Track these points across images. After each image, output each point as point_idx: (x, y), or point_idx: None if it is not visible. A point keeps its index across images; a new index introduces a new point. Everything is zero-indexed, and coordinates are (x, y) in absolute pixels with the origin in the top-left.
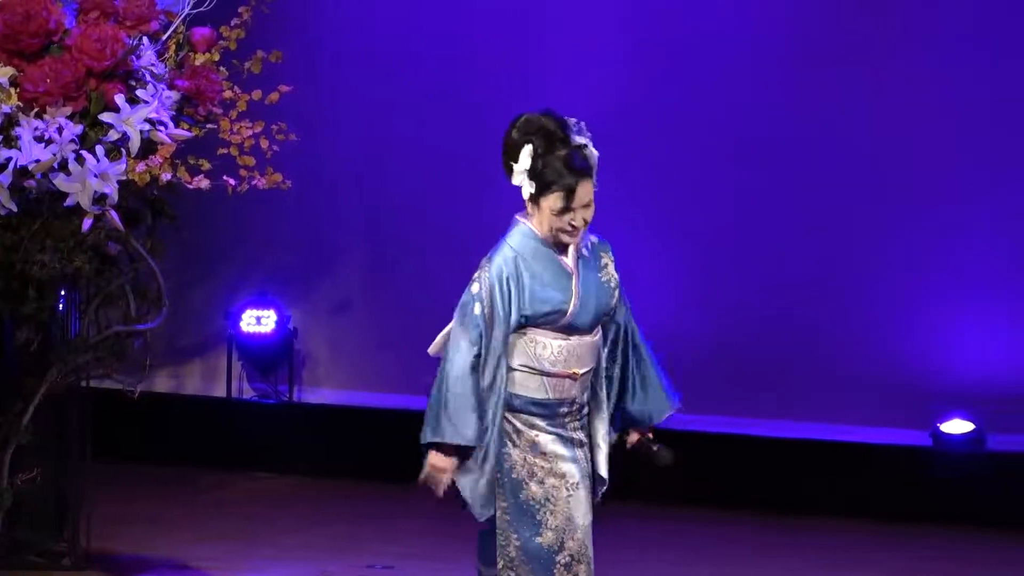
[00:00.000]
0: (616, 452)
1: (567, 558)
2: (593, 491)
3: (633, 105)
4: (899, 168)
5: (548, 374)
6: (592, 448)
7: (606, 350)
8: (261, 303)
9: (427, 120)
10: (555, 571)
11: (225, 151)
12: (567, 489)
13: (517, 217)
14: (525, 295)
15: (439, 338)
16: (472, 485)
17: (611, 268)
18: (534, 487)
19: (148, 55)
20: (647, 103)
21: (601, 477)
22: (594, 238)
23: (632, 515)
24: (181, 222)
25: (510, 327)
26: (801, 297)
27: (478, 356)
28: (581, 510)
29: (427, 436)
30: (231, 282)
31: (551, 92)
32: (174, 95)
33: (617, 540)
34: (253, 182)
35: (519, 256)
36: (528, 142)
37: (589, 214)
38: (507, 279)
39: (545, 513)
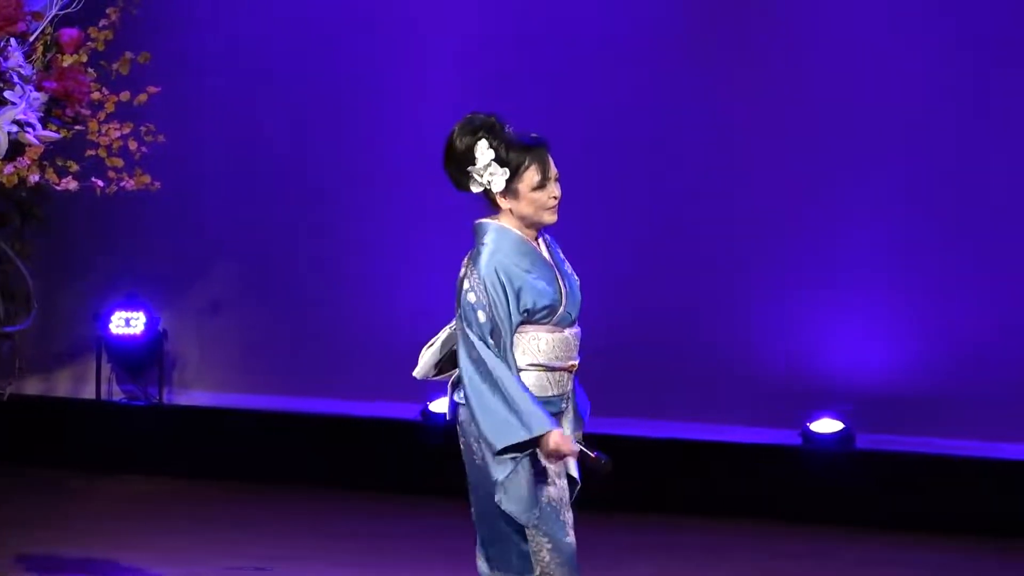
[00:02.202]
0: None
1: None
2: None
3: (509, 101)
4: (772, 167)
5: (551, 369)
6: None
7: None
8: (130, 305)
9: (297, 122)
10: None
11: (93, 153)
12: (571, 490)
13: (481, 221)
14: (523, 291)
15: (424, 359)
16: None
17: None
18: (550, 488)
19: (16, 56)
20: (523, 100)
21: (573, 478)
22: (546, 235)
23: None
24: (50, 224)
25: (513, 326)
26: (672, 297)
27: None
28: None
29: (531, 431)
30: (100, 284)
31: (421, 92)
32: (42, 96)
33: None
34: (122, 184)
35: (503, 253)
36: (479, 139)
37: (559, 189)
38: (501, 279)
39: (564, 512)
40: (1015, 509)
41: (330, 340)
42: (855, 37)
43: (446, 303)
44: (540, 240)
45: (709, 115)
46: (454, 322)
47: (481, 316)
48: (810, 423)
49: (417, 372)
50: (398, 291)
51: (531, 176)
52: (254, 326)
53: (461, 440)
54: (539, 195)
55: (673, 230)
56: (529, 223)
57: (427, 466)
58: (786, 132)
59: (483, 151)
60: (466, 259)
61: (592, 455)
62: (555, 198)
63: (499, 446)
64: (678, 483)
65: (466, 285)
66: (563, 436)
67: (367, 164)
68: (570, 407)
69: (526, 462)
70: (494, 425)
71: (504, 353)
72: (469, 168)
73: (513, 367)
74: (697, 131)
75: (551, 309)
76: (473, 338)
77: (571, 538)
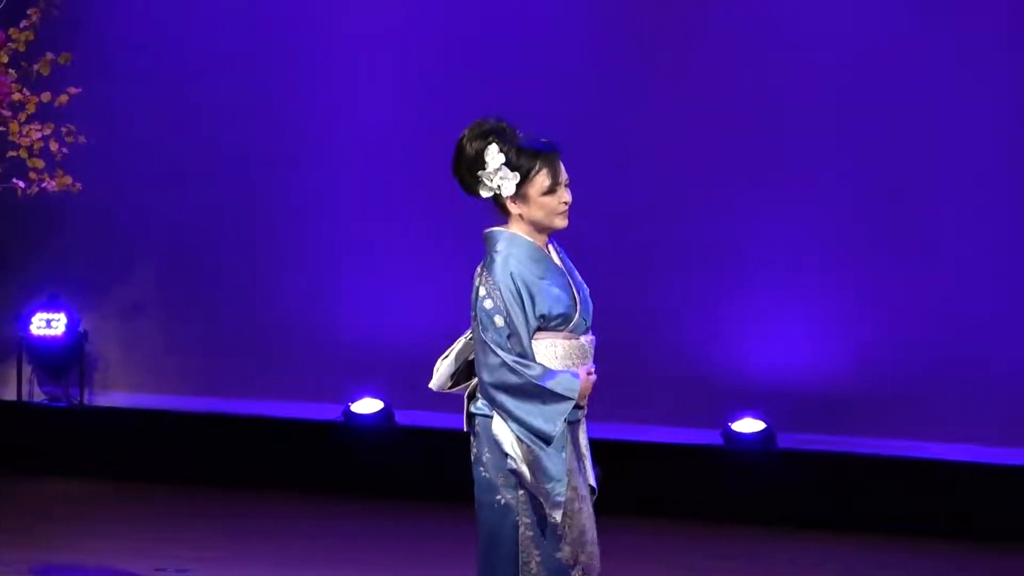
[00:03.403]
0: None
1: (579, 572)
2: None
3: (456, 103)
4: (696, 169)
5: None
6: (582, 457)
7: None
8: (51, 306)
9: (219, 125)
10: None
11: (14, 154)
12: (578, 502)
13: (492, 229)
14: (539, 296)
15: (439, 371)
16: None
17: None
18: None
19: None
20: (470, 101)
21: (591, 487)
22: (554, 242)
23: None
24: None
25: (530, 332)
26: (595, 297)
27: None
28: (590, 522)
29: (573, 396)
30: (21, 285)
31: (352, 95)
32: None
33: None
34: (43, 185)
35: (516, 260)
36: (489, 143)
37: (569, 194)
38: (517, 284)
39: (564, 527)
40: (929, 508)
41: (252, 341)
42: (792, 37)
43: (366, 305)
44: (550, 246)
45: (645, 114)
46: (469, 332)
47: (499, 321)
48: (732, 423)
49: (433, 384)
50: (319, 293)
51: (541, 180)
52: (175, 328)
53: (473, 450)
54: (549, 200)
55: (601, 230)
56: (540, 228)
57: (349, 467)
58: (714, 131)
59: (493, 155)
60: (479, 268)
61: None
62: (565, 203)
63: (555, 432)
64: (601, 483)
65: (482, 292)
66: (586, 379)
67: (287, 167)
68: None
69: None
70: (539, 416)
71: (524, 357)
72: (479, 172)
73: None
74: (630, 127)
75: (566, 316)
76: (491, 344)
77: (563, 553)
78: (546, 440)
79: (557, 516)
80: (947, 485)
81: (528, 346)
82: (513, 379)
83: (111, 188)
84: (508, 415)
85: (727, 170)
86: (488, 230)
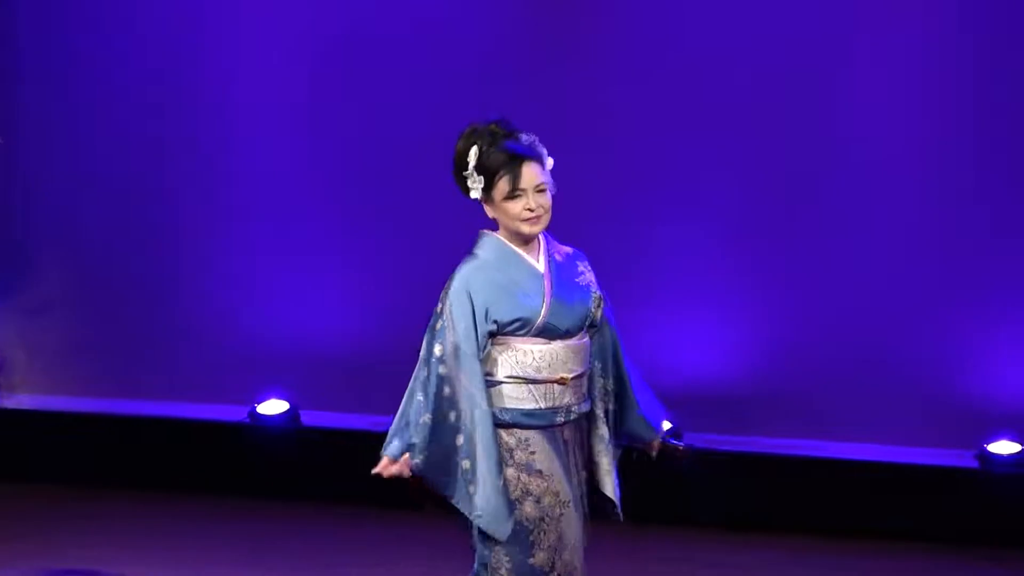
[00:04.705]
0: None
1: None
2: (592, 509)
3: (333, 107)
4: (611, 166)
5: (535, 381)
6: (591, 465)
7: (603, 366)
8: None
9: (127, 121)
10: None
11: None
12: (560, 508)
13: (482, 231)
14: (494, 305)
15: None
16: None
17: (589, 275)
18: (528, 507)
19: None
20: (367, 101)
21: (605, 495)
22: (568, 248)
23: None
24: None
25: (478, 340)
26: None
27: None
28: (572, 528)
29: (383, 451)
30: None
31: (259, 96)
32: None
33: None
34: None
35: (484, 264)
36: (471, 144)
37: (544, 200)
38: (467, 294)
39: (539, 533)
40: (850, 507)
41: (157, 342)
42: (696, 34)
43: (272, 305)
44: (541, 251)
45: (556, 117)
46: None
47: (437, 325)
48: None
49: None
50: (226, 291)
51: (503, 186)
52: (81, 328)
53: None
54: (511, 205)
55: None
56: (511, 233)
57: (255, 468)
58: (626, 126)
59: (472, 157)
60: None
61: (680, 448)
62: (530, 209)
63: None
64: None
65: (437, 308)
66: (386, 463)
67: (196, 162)
68: (595, 426)
69: (491, 475)
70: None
71: (459, 364)
72: (464, 173)
73: (461, 379)
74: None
75: (525, 322)
76: (425, 341)
77: (537, 559)
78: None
79: (493, 532)
80: None
81: (473, 353)
82: (410, 388)
83: (14, 185)
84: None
85: (649, 171)
86: (481, 231)
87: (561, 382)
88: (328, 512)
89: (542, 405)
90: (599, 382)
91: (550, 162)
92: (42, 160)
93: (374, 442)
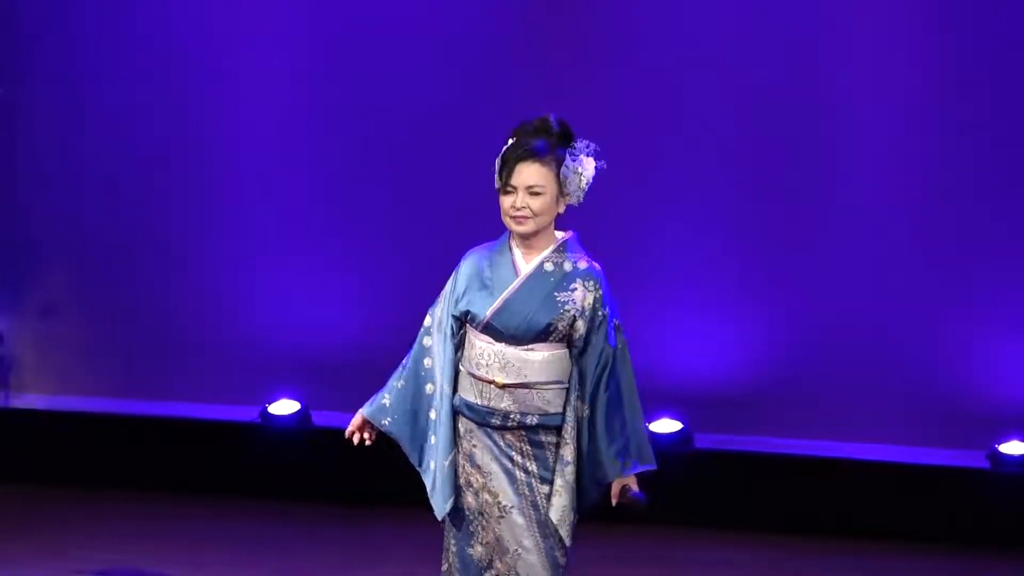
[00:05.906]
0: None
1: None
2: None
3: (333, 102)
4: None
5: (474, 376)
6: (552, 482)
7: (581, 389)
8: None
9: (132, 123)
10: None
11: None
12: (498, 510)
13: None
14: (465, 291)
15: None
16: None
17: (580, 296)
18: (469, 497)
19: None
20: (351, 102)
21: (552, 516)
22: (583, 264)
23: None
24: None
25: (449, 316)
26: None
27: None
28: (514, 536)
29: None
30: None
31: (253, 95)
32: None
33: None
34: None
35: (483, 253)
36: (512, 136)
37: (535, 203)
38: (456, 276)
39: (477, 526)
40: (861, 507)
41: (167, 342)
42: (696, 34)
43: (283, 306)
44: (540, 254)
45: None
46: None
47: (438, 298)
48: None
49: None
50: (238, 291)
51: (497, 181)
52: (91, 329)
53: None
54: (503, 200)
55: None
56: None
57: (266, 468)
58: (620, 128)
59: (505, 148)
60: None
61: (632, 496)
62: (516, 208)
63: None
64: None
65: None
66: (359, 422)
67: (208, 161)
68: (565, 447)
69: (440, 456)
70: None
71: (439, 340)
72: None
73: (436, 353)
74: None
75: (473, 316)
76: (429, 310)
77: (475, 551)
78: None
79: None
80: None
81: (447, 327)
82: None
83: (20, 185)
84: None
85: (647, 171)
86: None
87: (496, 384)
88: (339, 512)
89: (479, 401)
90: (575, 404)
91: (585, 172)
92: (50, 161)
93: (385, 443)
